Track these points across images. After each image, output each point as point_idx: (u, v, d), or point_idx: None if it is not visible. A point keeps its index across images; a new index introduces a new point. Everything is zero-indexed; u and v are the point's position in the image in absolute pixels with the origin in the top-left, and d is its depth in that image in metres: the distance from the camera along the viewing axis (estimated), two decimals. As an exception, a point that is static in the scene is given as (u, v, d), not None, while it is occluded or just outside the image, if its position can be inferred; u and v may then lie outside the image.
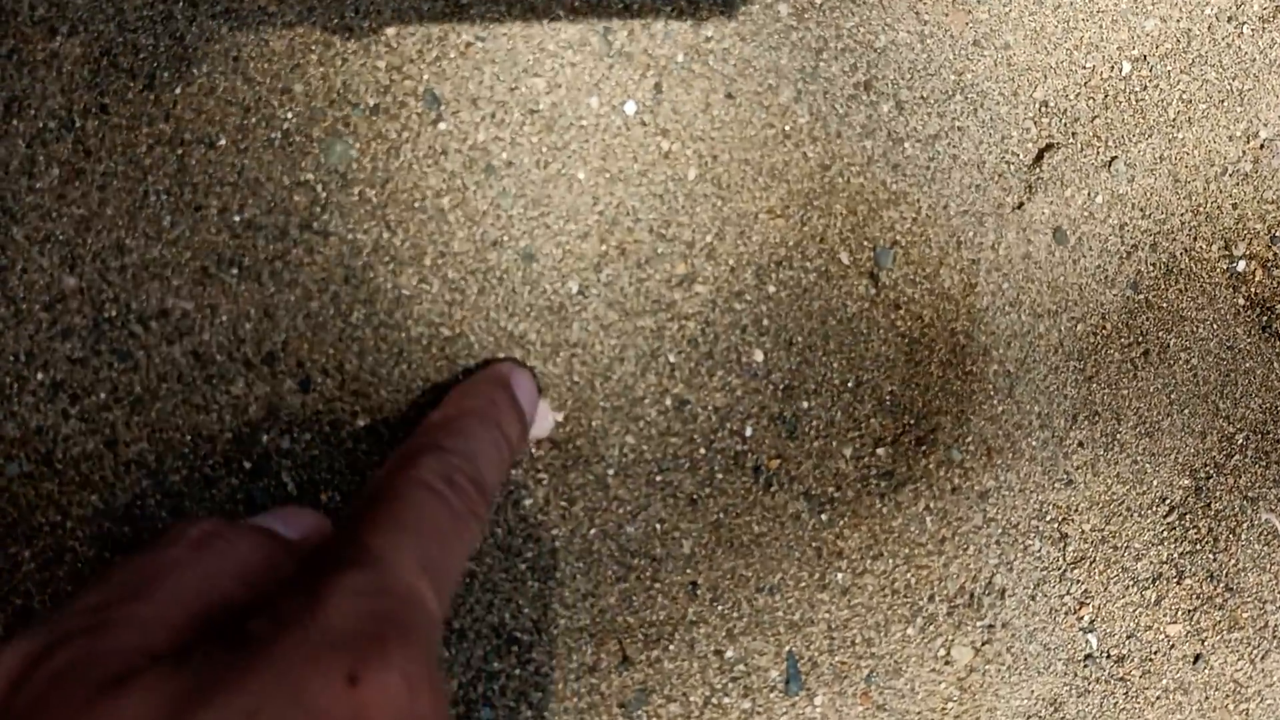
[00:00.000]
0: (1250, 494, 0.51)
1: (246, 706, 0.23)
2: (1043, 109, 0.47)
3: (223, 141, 0.39)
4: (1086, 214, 0.48)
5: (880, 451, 0.45)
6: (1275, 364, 0.51)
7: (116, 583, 0.28)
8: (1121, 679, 0.49)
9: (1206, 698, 0.50)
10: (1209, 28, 0.49)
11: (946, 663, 0.46)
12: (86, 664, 0.24)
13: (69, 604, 0.27)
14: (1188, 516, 0.50)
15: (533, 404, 0.39)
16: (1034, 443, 0.48)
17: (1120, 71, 0.48)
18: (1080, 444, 0.49)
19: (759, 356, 0.43)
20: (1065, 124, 0.48)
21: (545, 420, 0.41)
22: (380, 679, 0.24)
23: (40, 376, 0.38)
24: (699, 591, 0.43)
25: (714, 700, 0.43)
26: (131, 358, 0.38)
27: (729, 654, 0.44)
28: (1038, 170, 0.47)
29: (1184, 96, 0.49)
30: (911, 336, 0.45)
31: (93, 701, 0.23)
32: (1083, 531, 0.49)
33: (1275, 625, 0.51)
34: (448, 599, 0.30)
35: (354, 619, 0.26)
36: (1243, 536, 0.51)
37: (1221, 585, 0.50)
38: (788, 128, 0.43)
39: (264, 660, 0.24)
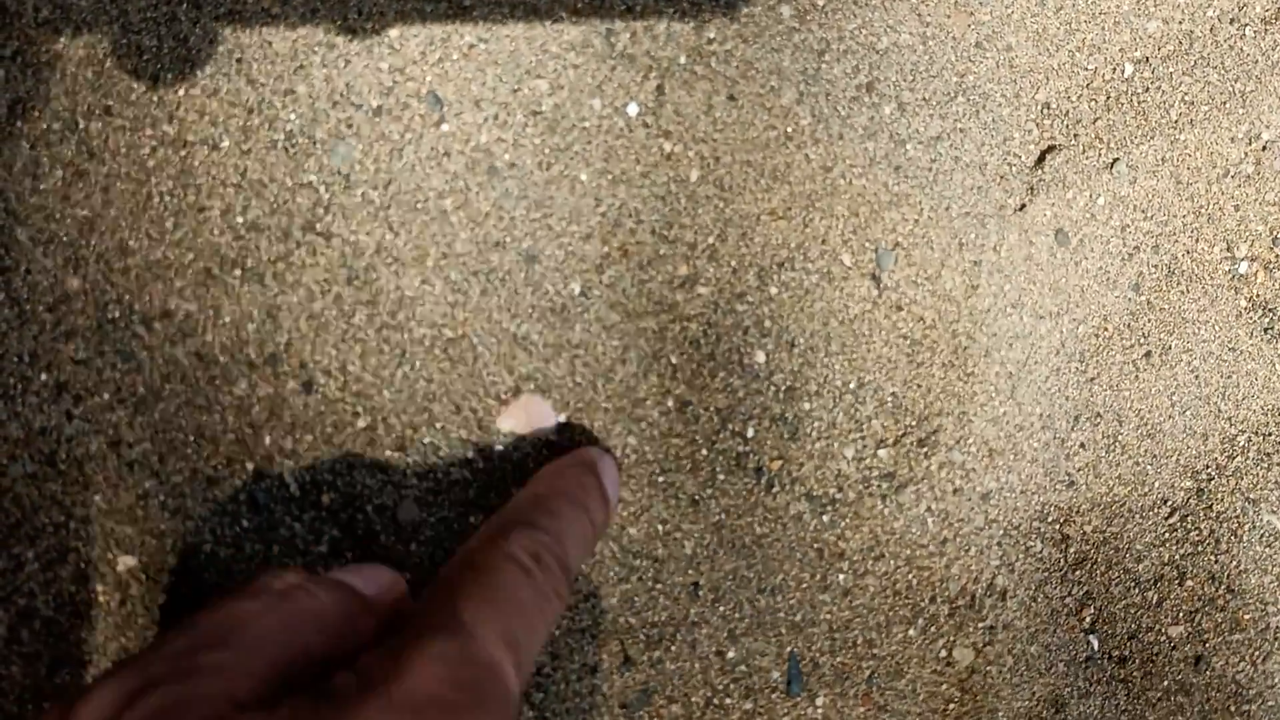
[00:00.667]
0: (1252, 496, 0.51)
1: None
2: (1045, 111, 0.47)
3: (226, 143, 0.39)
4: (1088, 216, 0.48)
5: (882, 453, 0.45)
6: (1277, 365, 0.51)
7: (202, 629, 0.29)
8: (1123, 680, 0.49)
9: (1208, 699, 0.50)
10: (1211, 30, 0.49)
11: (948, 664, 0.46)
12: (175, 711, 0.25)
13: (155, 648, 0.28)
14: (1189, 518, 0.50)
15: (616, 488, 0.40)
16: (1035, 444, 0.48)
17: (1122, 73, 0.48)
18: (1082, 445, 0.49)
19: (761, 358, 0.43)
20: (1067, 126, 0.48)
21: (546, 420, 0.41)
22: None
23: (44, 377, 0.38)
24: (701, 592, 0.43)
25: (715, 701, 0.43)
26: (135, 359, 0.38)
27: (730, 655, 0.44)
28: (1040, 172, 0.47)
29: (1186, 98, 0.49)
30: (913, 338, 0.45)
31: None
32: (1084, 533, 0.49)
33: (1277, 627, 0.51)
34: (527, 675, 0.31)
35: (435, 685, 0.26)
36: (1244, 538, 0.51)
37: (1223, 587, 0.50)
38: (790, 129, 0.43)
39: (348, 718, 0.25)
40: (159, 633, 0.39)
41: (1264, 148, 0.50)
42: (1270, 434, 0.51)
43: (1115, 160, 0.48)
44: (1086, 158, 0.48)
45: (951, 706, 0.46)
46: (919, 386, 0.45)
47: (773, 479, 0.44)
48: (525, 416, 0.41)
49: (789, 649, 0.44)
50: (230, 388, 0.39)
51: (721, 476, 0.43)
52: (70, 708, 0.26)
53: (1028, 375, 0.47)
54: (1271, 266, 0.51)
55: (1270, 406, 0.51)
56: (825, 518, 0.44)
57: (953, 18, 0.45)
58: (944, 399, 0.46)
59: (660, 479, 0.42)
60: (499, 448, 0.40)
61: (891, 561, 0.45)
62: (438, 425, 0.40)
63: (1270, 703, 0.50)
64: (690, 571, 0.43)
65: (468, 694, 0.27)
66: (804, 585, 0.44)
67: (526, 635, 0.31)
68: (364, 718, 0.25)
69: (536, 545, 0.33)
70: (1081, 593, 0.49)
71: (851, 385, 0.44)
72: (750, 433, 0.43)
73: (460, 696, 0.27)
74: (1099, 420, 0.49)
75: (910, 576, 0.46)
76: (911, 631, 0.46)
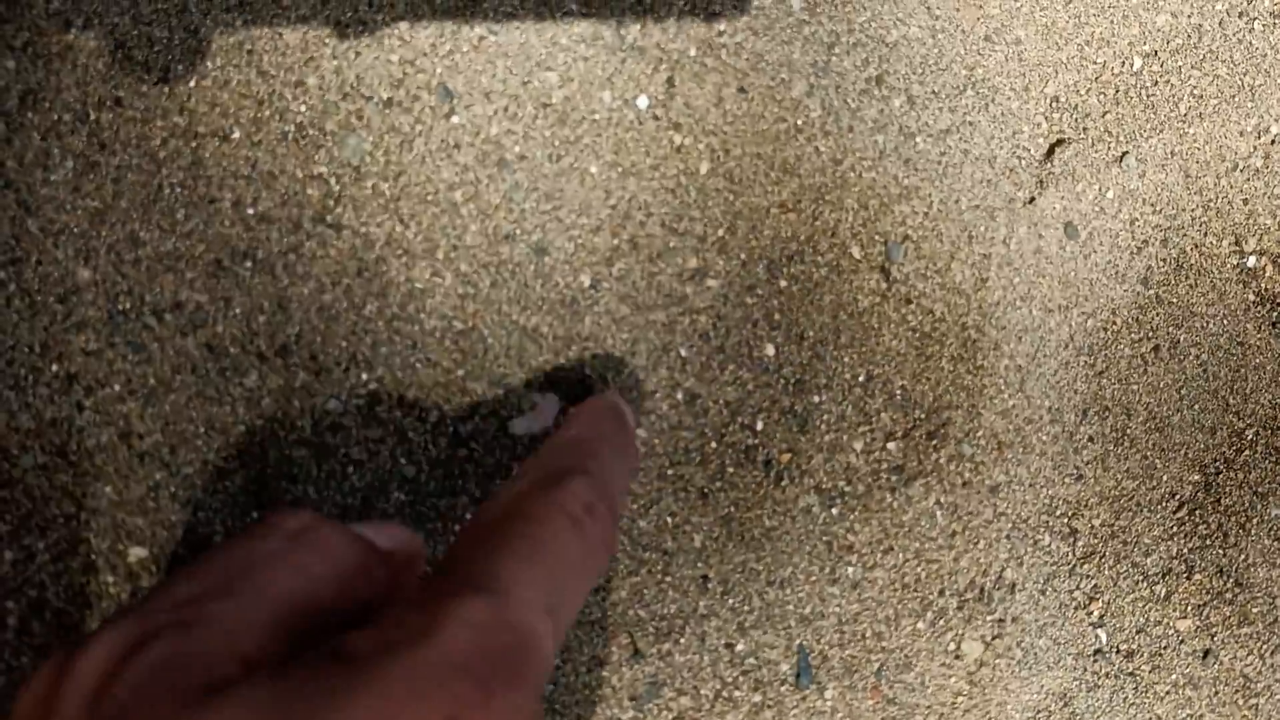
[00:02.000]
0: (1260, 489, 0.51)
1: None
2: (1054, 104, 0.47)
3: (237, 135, 0.39)
4: (1097, 209, 0.48)
5: (891, 446, 0.45)
6: (1285, 360, 0.51)
7: (208, 576, 0.27)
8: (1131, 674, 0.49)
9: (1216, 693, 0.50)
10: (1220, 23, 0.49)
11: (956, 657, 0.46)
12: (178, 666, 0.24)
13: (159, 594, 0.26)
14: (1198, 512, 0.50)
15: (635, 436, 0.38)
16: (1044, 437, 0.48)
17: (1131, 67, 0.48)
18: (1090, 439, 0.49)
19: (770, 351, 0.43)
20: (1076, 119, 0.48)
21: (550, 411, 0.41)
22: None
23: (55, 368, 0.38)
24: (710, 585, 0.43)
25: (725, 693, 0.43)
26: (145, 350, 0.38)
27: (740, 647, 0.44)
28: (1049, 165, 0.47)
29: (1195, 92, 0.49)
30: (922, 331, 0.45)
31: (189, 709, 0.23)
32: (1092, 526, 0.49)
33: (1285, 621, 0.51)
34: (563, 638, 0.28)
35: (465, 653, 0.24)
36: (1253, 532, 0.51)
37: (1231, 580, 0.50)
38: (800, 122, 0.43)
39: (365, 685, 0.23)
40: (166, 575, 0.37)
41: (1273, 141, 0.50)
42: (1279, 428, 0.51)
43: (1124, 154, 0.48)
44: (1095, 151, 0.48)
45: (960, 699, 0.46)
46: (928, 380, 0.45)
47: (782, 472, 0.44)
48: (538, 418, 0.41)
49: (798, 641, 0.44)
50: (241, 379, 0.39)
51: (731, 469, 0.43)
52: (70, 658, 0.24)
53: (1037, 369, 0.47)
54: (1280, 260, 0.51)
55: (1279, 401, 0.51)
56: (834, 510, 0.44)
57: (962, 11, 0.45)
58: (953, 392, 0.46)
59: (670, 472, 0.42)
60: (511, 445, 0.40)
61: (900, 554, 0.45)
62: (448, 423, 0.40)
63: (1278, 696, 0.50)
64: (699, 564, 0.43)
65: (498, 667, 0.24)
66: (813, 578, 0.44)
67: (570, 597, 0.29)
68: (385, 684, 0.23)
69: (591, 494, 0.31)
70: (1090, 586, 0.49)
71: (861, 378, 0.44)
72: (759, 426, 0.43)
73: (490, 669, 0.24)
74: (1107, 414, 0.49)
75: (919, 569, 0.46)
76: (920, 624, 0.46)
